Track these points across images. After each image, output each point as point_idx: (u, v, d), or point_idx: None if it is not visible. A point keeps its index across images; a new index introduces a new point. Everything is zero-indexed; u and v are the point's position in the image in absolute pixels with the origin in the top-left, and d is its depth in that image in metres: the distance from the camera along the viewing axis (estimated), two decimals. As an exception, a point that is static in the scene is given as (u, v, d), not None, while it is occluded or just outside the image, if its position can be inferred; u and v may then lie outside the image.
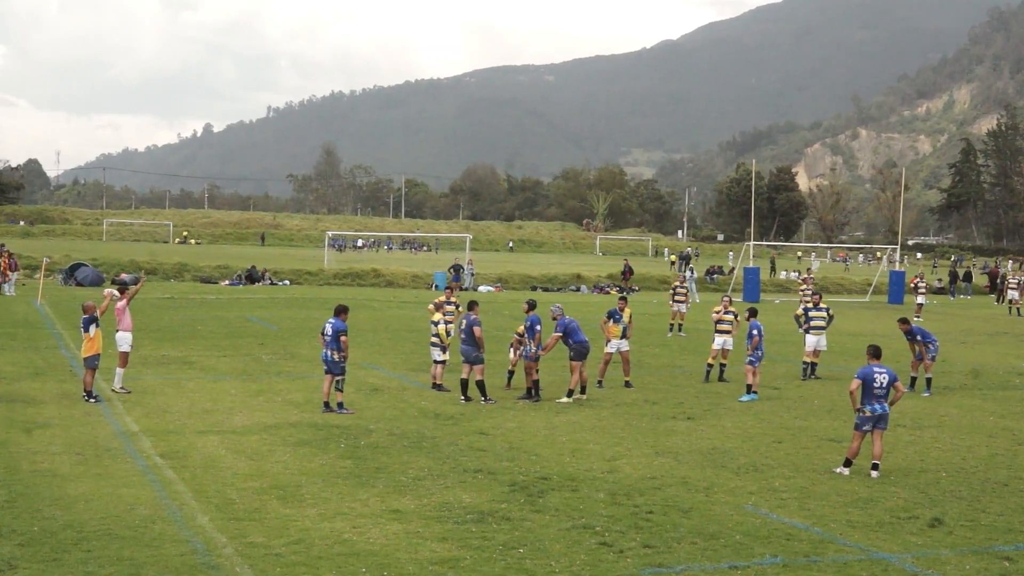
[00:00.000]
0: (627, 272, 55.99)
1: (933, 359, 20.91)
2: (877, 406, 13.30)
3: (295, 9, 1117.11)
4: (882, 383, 13.33)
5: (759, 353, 19.81)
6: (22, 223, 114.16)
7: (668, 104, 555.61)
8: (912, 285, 45.10)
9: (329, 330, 16.92)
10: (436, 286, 51.18)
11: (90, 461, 13.03)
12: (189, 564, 9.24)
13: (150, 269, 51.46)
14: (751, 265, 53.46)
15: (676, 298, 32.16)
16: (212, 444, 14.26)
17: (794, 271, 71.40)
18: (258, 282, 50.29)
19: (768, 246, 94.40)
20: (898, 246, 62.25)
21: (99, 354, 17.45)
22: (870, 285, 57.98)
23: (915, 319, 39.25)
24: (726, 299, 22.37)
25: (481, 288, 51.87)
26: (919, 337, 20.95)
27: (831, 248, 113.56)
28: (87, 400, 17.09)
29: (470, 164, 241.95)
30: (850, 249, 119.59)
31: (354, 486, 12.15)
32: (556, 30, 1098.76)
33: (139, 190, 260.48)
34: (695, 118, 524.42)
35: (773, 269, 73.32)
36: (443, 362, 19.52)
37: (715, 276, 61.48)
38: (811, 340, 22.73)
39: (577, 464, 13.62)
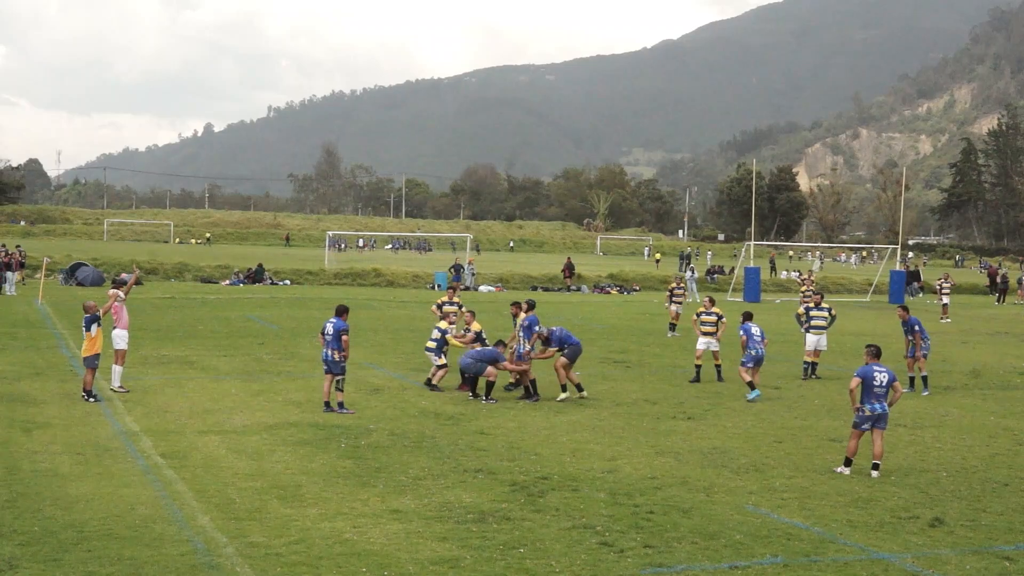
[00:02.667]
0: (568, 270, 54.98)
1: (925, 356, 20.89)
2: (876, 405, 13.30)
3: (295, 8, 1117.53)
4: (882, 382, 13.34)
5: (751, 354, 19.60)
6: (23, 223, 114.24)
7: (669, 104, 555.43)
8: (936, 286, 44.76)
9: (330, 329, 16.92)
10: (438, 286, 51.20)
11: (91, 461, 13.04)
12: (190, 564, 9.25)
13: (150, 269, 51.51)
14: (752, 265, 53.44)
15: (674, 299, 32.06)
16: (212, 444, 14.26)
17: (794, 271, 71.38)
18: (259, 281, 50.31)
19: (768, 245, 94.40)
20: (899, 246, 62.26)
21: (99, 354, 17.46)
22: (870, 285, 58.01)
23: (941, 321, 39.28)
24: (707, 300, 22.39)
25: (482, 288, 51.87)
26: (916, 328, 20.92)
27: (829, 248, 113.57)
28: (87, 400, 17.10)
29: (470, 164, 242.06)
30: (850, 249, 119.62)
31: (354, 486, 12.15)
32: (557, 30, 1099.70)
33: (140, 190, 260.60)
34: (696, 118, 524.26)
35: (773, 269, 73.32)
36: (443, 366, 19.53)
37: (715, 276, 61.51)
38: (811, 340, 22.75)
39: (577, 464, 13.62)
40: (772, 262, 76.48)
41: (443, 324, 19.91)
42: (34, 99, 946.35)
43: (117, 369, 18.22)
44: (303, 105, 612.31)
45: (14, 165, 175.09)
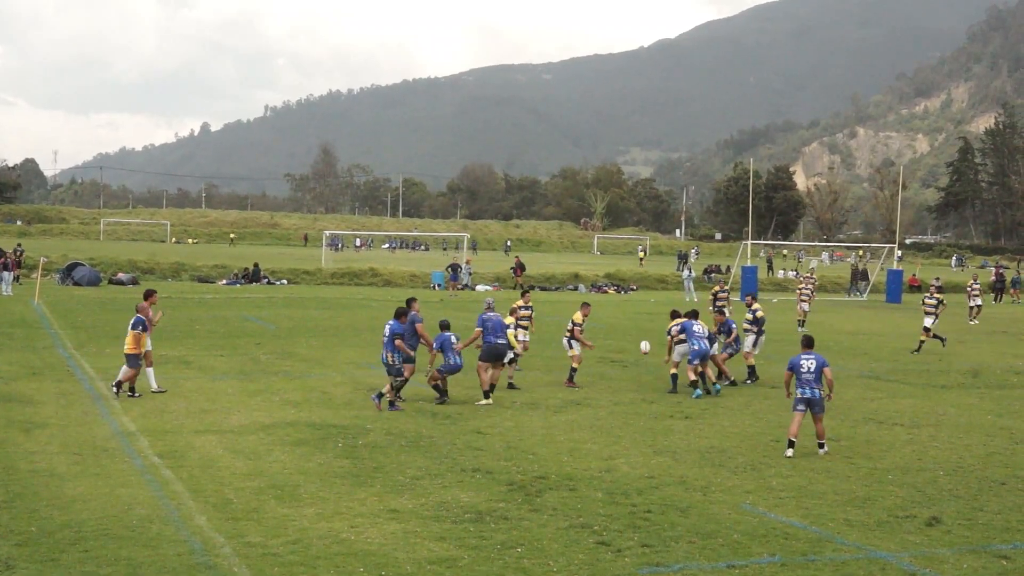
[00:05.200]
0: (518, 268, 54.25)
1: (731, 355, 21.23)
2: (807, 390, 14.30)
3: (293, 7, 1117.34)
4: (809, 368, 14.39)
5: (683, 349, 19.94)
6: (19, 222, 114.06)
7: (666, 103, 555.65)
8: (967, 287, 44.12)
9: (387, 331, 17.09)
10: (436, 286, 51.17)
11: (88, 461, 13.02)
12: (187, 564, 9.23)
13: (147, 268, 51.45)
14: (749, 264, 53.46)
15: (717, 303, 31.02)
16: (210, 444, 14.25)
17: (792, 271, 71.43)
18: (256, 281, 50.28)
19: (764, 245, 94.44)
20: (896, 245, 62.30)
21: (141, 353, 17.56)
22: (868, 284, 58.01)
23: (971, 323, 38.92)
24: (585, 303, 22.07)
25: (479, 287, 51.85)
26: (731, 327, 21.26)
27: (817, 247, 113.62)
28: (115, 391, 17.46)
29: (468, 163, 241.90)
30: (847, 248, 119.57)
31: (352, 486, 12.15)
32: (554, 29, 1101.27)
33: (136, 189, 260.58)
34: (693, 117, 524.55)
35: (770, 268, 73.38)
36: (512, 361, 19.49)
37: (713, 275, 61.51)
38: (747, 340, 22.47)
39: (575, 463, 13.62)
40: (769, 261, 76.57)
41: (510, 320, 20.24)
42: (31, 98, 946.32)
43: (148, 371, 18.11)
44: (300, 104, 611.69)
45: (11, 165, 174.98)
